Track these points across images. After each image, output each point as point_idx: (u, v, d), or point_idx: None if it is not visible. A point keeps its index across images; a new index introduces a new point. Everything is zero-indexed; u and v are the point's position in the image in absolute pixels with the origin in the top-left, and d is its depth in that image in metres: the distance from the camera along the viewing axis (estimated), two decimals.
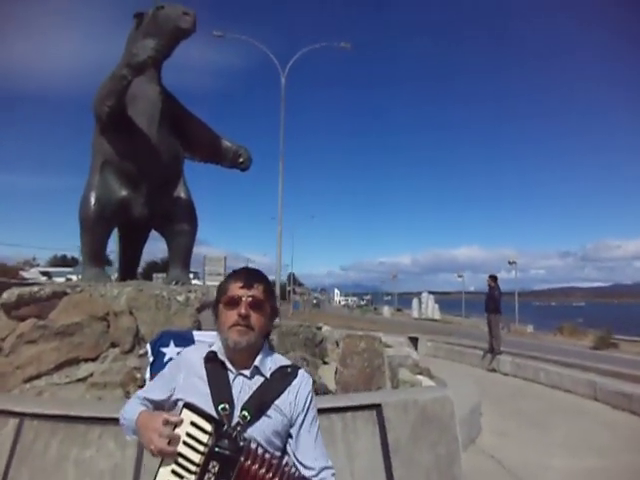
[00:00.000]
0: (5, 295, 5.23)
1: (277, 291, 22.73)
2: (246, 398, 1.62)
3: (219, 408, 1.57)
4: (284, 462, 1.58)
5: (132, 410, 1.67)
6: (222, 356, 1.69)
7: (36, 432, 3.51)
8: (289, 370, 1.74)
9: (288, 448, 1.68)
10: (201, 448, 1.46)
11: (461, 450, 4.70)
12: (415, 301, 49.10)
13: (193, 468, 1.45)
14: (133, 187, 6.11)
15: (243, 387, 1.65)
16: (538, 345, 16.97)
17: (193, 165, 7.32)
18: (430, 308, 45.99)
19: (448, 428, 4.59)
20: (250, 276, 1.73)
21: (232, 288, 1.70)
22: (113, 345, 5.15)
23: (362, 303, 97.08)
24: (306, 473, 1.62)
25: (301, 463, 1.64)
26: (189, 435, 1.47)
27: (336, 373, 5.88)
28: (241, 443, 1.48)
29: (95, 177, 6.07)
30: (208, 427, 1.48)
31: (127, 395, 4.29)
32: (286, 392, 1.67)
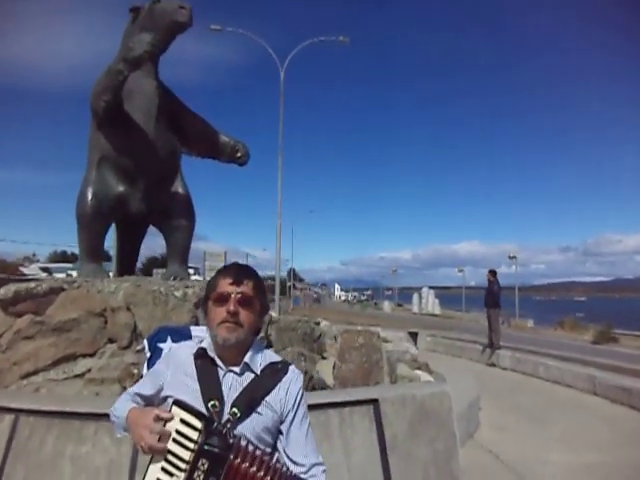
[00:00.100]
0: (2, 291, 5.23)
1: (277, 286, 22.73)
2: (236, 395, 1.60)
3: (209, 405, 1.56)
4: (274, 459, 1.57)
5: (122, 407, 1.66)
6: (212, 352, 1.67)
7: (32, 428, 3.51)
8: (279, 366, 1.72)
9: (279, 445, 1.67)
10: (191, 445, 1.45)
11: (459, 445, 4.70)
12: (415, 296, 49.11)
13: (183, 465, 1.44)
14: (130, 183, 6.10)
15: (233, 384, 1.63)
16: (538, 340, 16.98)
17: (193, 161, 7.31)
18: (430, 303, 45.99)
19: (446, 423, 4.58)
20: (240, 272, 1.71)
21: (221, 284, 1.68)
22: (110, 341, 5.15)
23: (362, 298, 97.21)
24: (296, 470, 1.60)
25: (291, 460, 1.63)
26: (179, 432, 1.46)
27: (334, 368, 5.87)
28: (231, 440, 1.47)
29: (92, 173, 6.06)
30: (198, 424, 1.46)
31: (124, 391, 4.29)
32: (276, 388, 1.66)
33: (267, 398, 1.63)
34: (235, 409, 1.56)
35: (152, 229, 6.91)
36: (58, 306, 5.18)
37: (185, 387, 1.61)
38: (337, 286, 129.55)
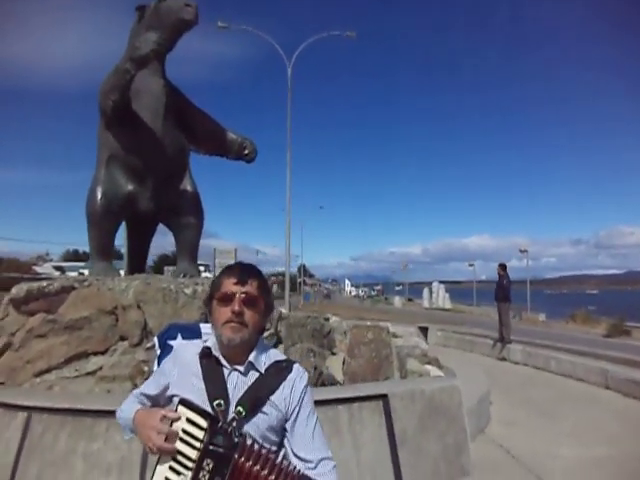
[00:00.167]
0: (14, 290, 5.29)
1: (287, 282, 22.78)
2: (241, 394, 1.61)
3: (214, 404, 1.56)
4: (280, 458, 1.57)
5: (129, 409, 1.67)
6: (216, 352, 1.68)
7: (45, 425, 3.57)
8: (284, 365, 1.72)
9: (286, 443, 1.66)
10: (197, 444, 1.46)
11: (469, 440, 4.70)
12: (426, 291, 49.01)
13: (190, 464, 1.45)
14: (139, 181, 6.14)
15: (238, 383, 1.63)
16: (549, 333, 16.87)
17: (202, 159, 7.34)
18: (441, 297, 45.88)
19: (456, 418, 4.59)
20: (244, 272, 1.70)
21: (226, 284, 1.67)
22: (122, 338, 5.20)
23: (373, 293, 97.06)
24: (304, 466, 1.59)
25: (298, 457, 1.62)
26: (185, 431, 1.47)
27: (344, 364, 5.88)
28: (236, 439, 1.47)
29: (101, 172, 6.10)
30: (203, 423, 1.47)
31: (135, 388, 4.33)
32: (281, 387, 1.66)
33: (272, 397, 1.63)
34: (240, 408, 1.57)
35: (163, 227, 6.95)
36: (69, 304, 5.24)
37: (191, 386, 1.62)
38: (347, 282, 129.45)
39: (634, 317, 22.08)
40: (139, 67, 5.42)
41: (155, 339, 4.41)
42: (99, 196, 5.99)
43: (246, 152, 7.02)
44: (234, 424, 1.53)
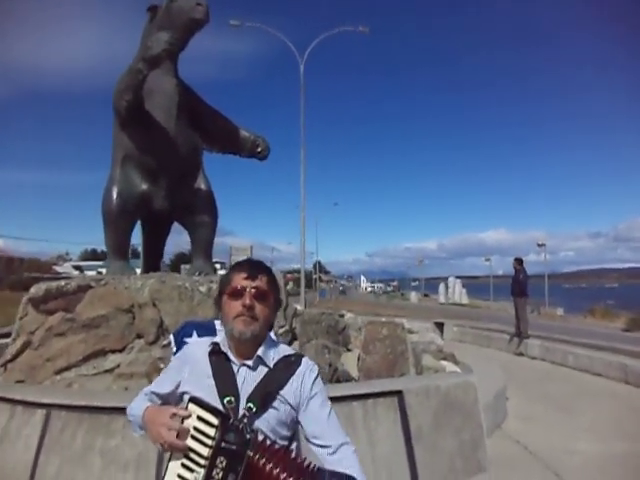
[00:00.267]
0: (33, 290, 5.38)
1: (302, 279, 22.83)
2: (250, 389, 1.62)
3: (224, 401, 1.58)
4: (292, 453, 1.58)
5: (138, 406, 1.69)
6: (225, 347, 1.70)
7: (63, 422, 3.63)
8: (293, 359, 1.73)
9: (301, 433, 1.68)
10: (209, 442, 1.47)
11: (485, 435, 4.67)
12: (442, 286, 48.79)
13: (202, 462, 1.46)
14: (153, 180, 6.19)
15: (247, 378, 1.65)
16: (568, 328, 16.69)
17: (217, 157, 7.38)
18: (457, 293, 45.64)
19: (472, 413, 4.57)
20: (254, 267, 1.74)
21: (236, 279, 1.70)
22: (138, 336, 5.26)
23: (389, 289, 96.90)
24: (323, 452, 1.61)
25: (316, 444, 1.63)
26: (196, 429, 1.48)
27: (359, 360, 5.88)
28: (248, 436, 1.48)
29: (116, 171, 6.17)
30: (214, 420, 1.48)
31: None
32: (290, 381, 1.67)
33: (282, 392, 1.64)
34: (250, 404, 1.58)
35: (179, 226, 7.01)
36: (87, 303, 5.31)
37: (201, 384, 1.64)
38: (363, 278, 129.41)
39: None
40: (151, 67, 5.45)
41: (171, 337, 4.44)
42: (115, 196, 6.06)
43: (259, 150, 7.05)
44: (245, 420, 1.54)
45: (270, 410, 1.61)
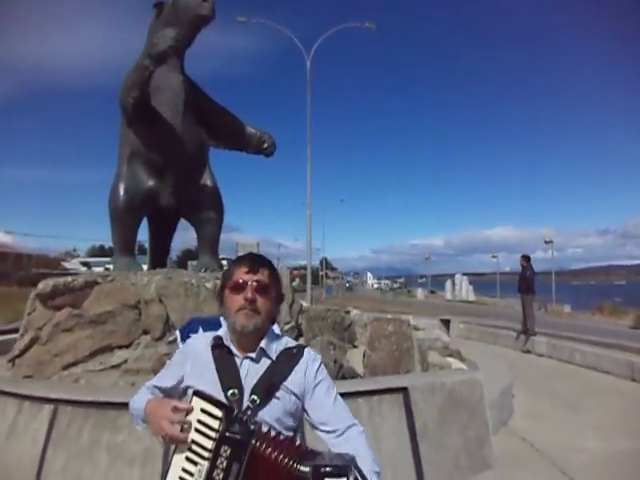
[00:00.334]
0: (40, 286, 5.42)
1: (309, 275, 22.85)
2: (254, 382, 1.63)
3: (228, 394, 1.58)
4: (297, 443, 1.59)
5: (140, 399, 1.70)
6: (227, 341, 1.71)
7: (70, 418, 3.65)
8: (295, 351, 1.74)
9: (307, 420, 1.69)
10: (212, 434, 1.47)
11: (491, 433, 4.66)
12: (448, 283, 48.69)
13: (206, 454, 1.47)
14: (160, 177, 6.21)
15: (250, 370, 1.66)
16: (575, 325, 16.60)
17: (223, 153, 7.41)
18: (464, 290, 45.52)
19: (477, 411, 4.55)
20: (255, 261, 1.74)
21: (237, 273, 1.71)
22: (145, 332, 5.28)
23: (395, 286, 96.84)
24: (330, 437, 1.62)
25: (324, 430, 1.64)
26: (200, 422, 1.49)
27: (364, 356, 5.89)
28: (252, 427, 1.49)
29: (123, 168, 6.20)
30: (218, 413, 1.49)
31: None
32: (294, 372, 1.68)
33: (285, 383, 1.65)
34: (254, 396, 1.59)
35: (186, 222, 7.04)
36: (93, 299, 5.34)
37: (204, 377, 1.64)
38: (369, 274, 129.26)
39: None
40: (157, 63, 5.47)
41: (177, 332, 4.48)
42: (121, 192, 6.09)
43: (265, 146, 7.08)
44: (249, 412, 1.55)
45: (274, 401, 1.62)
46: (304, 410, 1.69)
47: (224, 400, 1.56)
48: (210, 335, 1.76)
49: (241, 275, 1.70)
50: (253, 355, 1.68)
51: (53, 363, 5.04)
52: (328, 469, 1.40)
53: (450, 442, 4.27)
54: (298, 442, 1.61)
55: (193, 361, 1.71)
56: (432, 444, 4.16)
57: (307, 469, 1.41)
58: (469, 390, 4.55)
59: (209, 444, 1.47)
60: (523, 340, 12.12)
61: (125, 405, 3.53)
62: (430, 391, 4.31)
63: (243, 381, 1.63)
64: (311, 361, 1.72)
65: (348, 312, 7.73)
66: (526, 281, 12.36)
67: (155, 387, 1.76)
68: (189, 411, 1.51)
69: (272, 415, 1.60)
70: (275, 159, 7.39)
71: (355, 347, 6.73)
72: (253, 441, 1.46)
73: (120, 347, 5.18)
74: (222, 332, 1.74)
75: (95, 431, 3.55)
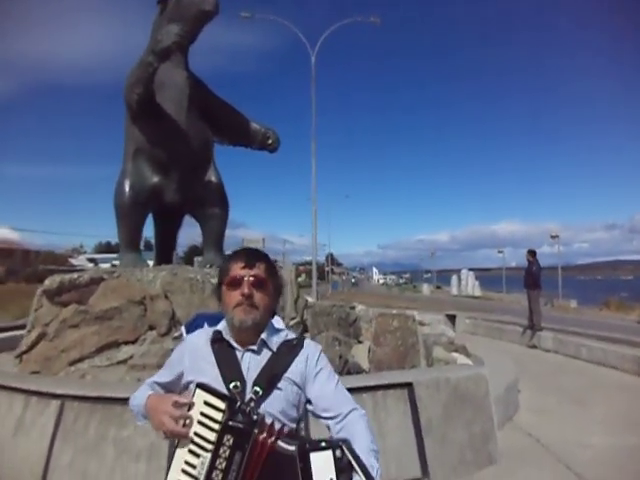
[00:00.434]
0: (47, 282, 5.45)
1: (314, 271, 22.87)
2: (255, 374, 1.63)
3: (230, 386, 1.59)
4: (299, 433, 1.61)
5: (141, 395, 1.71)
6: (227, 336, 1.71)
7: (77, 413, 3.68)
8: (295, 342, 1.74)
9: (310, 410, 1.70)
10: (215, 426, 1.47)
11: (496, 428, 4.66)
12: (454, 278, 48.64)
13: (209, 446, 1.47)
14: (165, 173, 6.23)
15: (251, 363, 1.66)
16: (581, 320, 16.56)
17: (228, 150, 7.41)
18: (470, 285, 45.49)
19: (482, 406, 4.55)
20: (251, 256, 1.74)
21: (234, 268, 1.70)
22: (151, 328, 5.30)
23: (401, 281, 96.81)
24: (332, 423, 1.63)
25: (326, 417, 1.65)
26: (203, 414, 1.49)
27: (369, 352, 5.89)
28: (255, 417, 1.50)
29: (128, 164, 6.22)
30: (221, 405, 1.49)
31: None
32: (295, 362, 1.68)
33: (287, 373, 1.65)
34: (257, 387, 1.59)
35: (191, 219, 7.05)
36: (99, 295, 5.37)
37: (205, 372, 1.65)
38: (375, 270, 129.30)
39: None
40: (161, 59, 5.47)
41: (182, 328, 4.49)
42: (127, 189, 6.11)
43: (269, 142, 7.08)
44: (252, 404, 1.55)
45: (277, 392, 1.62)
46: (307, 400, 1.70)
47: (227, 392, 1.57)
48: (209, 330, 1.77)
49: (237, 270, 1.69)
50: (254, 347, 1.69)
51: (60, 359, 5.07)
52: (312, 445, 1.42)
53: (455, 437, 4.28)
54: (300, 433, 1.62)
55: (192, 356, 1.72)
56: (437, 439, 4.17)
57: (293, 447, 1.43)
58: (474, 385, 4.55)
59: (212, 436, 1.47)
60: (529, 335, 12.09)
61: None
62: (435, 386, 4.32)
63: (245, 373, 1.63)
64: (312, 351, 1.73)
65: (353, 308, 7.73)
66: (532, 276, 12.32)
67: (155, 383, 1.77)
68: (190, 405, 1.52)
69: (275, 406, 1.61)
70: (280, 155, 7.41)
71: (360, 342, 6.73)
72: (256, 430, 1.46)
73: (126, 343, 5.20)
74: (221, 326, 1.75)
75: (101, 426, 3.58)
